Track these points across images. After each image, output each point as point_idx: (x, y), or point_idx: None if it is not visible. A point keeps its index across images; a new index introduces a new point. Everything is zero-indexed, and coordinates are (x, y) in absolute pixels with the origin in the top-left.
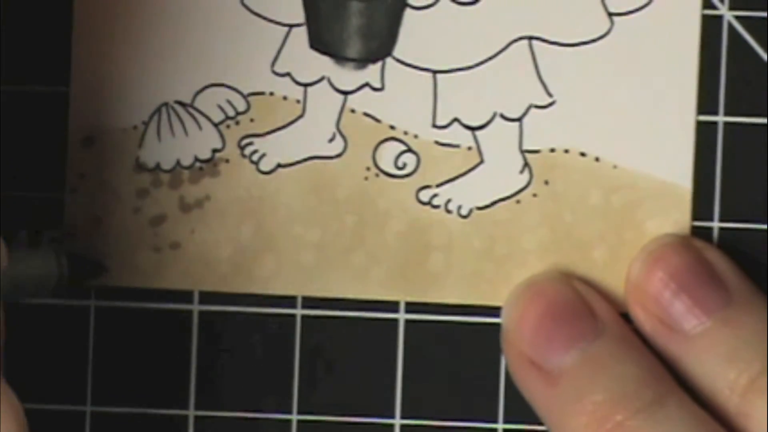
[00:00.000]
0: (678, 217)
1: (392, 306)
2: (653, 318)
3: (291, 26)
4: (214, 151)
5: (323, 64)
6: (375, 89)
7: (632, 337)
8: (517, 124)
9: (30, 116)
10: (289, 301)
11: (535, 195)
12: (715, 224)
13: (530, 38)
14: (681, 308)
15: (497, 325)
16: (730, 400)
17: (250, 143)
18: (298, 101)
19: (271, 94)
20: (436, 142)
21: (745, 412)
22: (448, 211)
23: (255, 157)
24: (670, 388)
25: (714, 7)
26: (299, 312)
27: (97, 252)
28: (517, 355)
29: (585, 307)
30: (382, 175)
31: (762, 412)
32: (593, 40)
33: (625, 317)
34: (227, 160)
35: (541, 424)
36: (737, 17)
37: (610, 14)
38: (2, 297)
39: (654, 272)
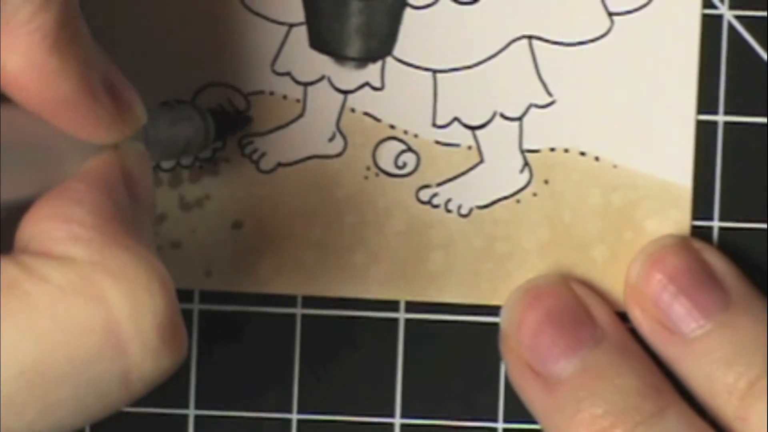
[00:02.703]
0: (678, 217)
1: (392, 305)
2: (652, 320)
3: (291, 25)
4: (215, 150)
5: (323, 64)
6: (375, 89)
7: (632, 343)
8: (517, 123)
9: None
10: (289, 300)
11: (535, 194)
12: (715, 224)
13: (530, 38)
14: (680, 311)
15: (497, 324)
16: (729, 404)
17: (251, 142)
18: (298, 100)
19: (271, 93)
20: (436, 142)
21: (744, 416)
22: (448, 211)
23: (255, 157)
24: (669, 400)
25: (714, 7)
26: (299, 311)
27: None
28: (515, 360)
29: (584, 313)
30: (382, 175)
31: (760, 415)
32: (593, 40)
33: (624, 316)
34: (227, 160)
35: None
36: (737, 17)
37: (610, 14)
38: (156, 158)
39: (653, 274)
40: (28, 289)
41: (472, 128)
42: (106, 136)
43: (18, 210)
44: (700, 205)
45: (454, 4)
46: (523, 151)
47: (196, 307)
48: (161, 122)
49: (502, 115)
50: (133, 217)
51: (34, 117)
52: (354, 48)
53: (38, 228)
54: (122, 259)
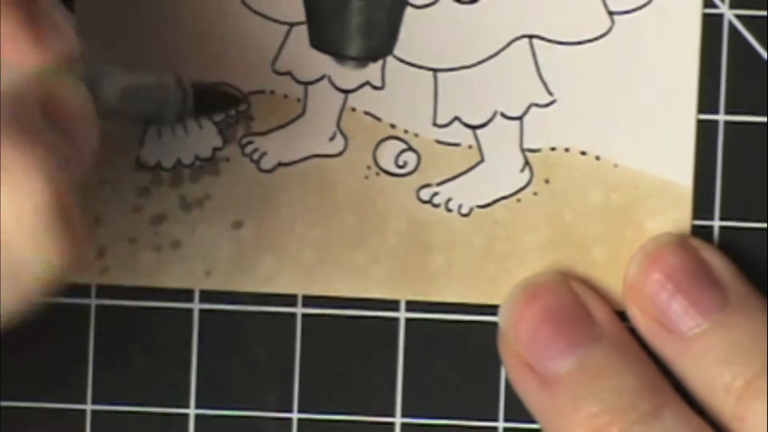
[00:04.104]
0: (678, 216)
1: (393, 305)
2: (650, 319)
3: (292, 25)
4: (215, 149)
5: (324, 63)
6: (375, 88)
7: (630, 342)
8: (517, 122)
9: None
10: (289, 299)
11: (535, 194)
12: (716, 223)
13: (531, 37)
14: (678, 309)
15: (498, 323)
16: (726, 403)
17: (251, 142)
18: (298, 100)
19: (272, 92)
20: (437, 141)
21: (741, 415)
22: (449, 210)
23: (255, 156)
24: (667, 399)
25: (715, 6)
26: (300, 311)
27: (98, 249)
28: (513, 358)
29: (583, 311)
30: (382, 174)
31: (758, 414)
32: (594, 39)
33: (624, 315)
34: (228, 159)
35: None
36: (738, 16)
37: (611, 13)
38: (111, 113)
39: (651, 273)
40: None
41: (473, 127)
42: (21, 58)
43: None
44: (701, 205)
45: (454, 4)
46: (523, 151)
47: (196, 307)
48: (122, 76)
49: (503, 115)
50: (41, 134)
51: None
52: (354, 47)
53: None
54: (4, 148)
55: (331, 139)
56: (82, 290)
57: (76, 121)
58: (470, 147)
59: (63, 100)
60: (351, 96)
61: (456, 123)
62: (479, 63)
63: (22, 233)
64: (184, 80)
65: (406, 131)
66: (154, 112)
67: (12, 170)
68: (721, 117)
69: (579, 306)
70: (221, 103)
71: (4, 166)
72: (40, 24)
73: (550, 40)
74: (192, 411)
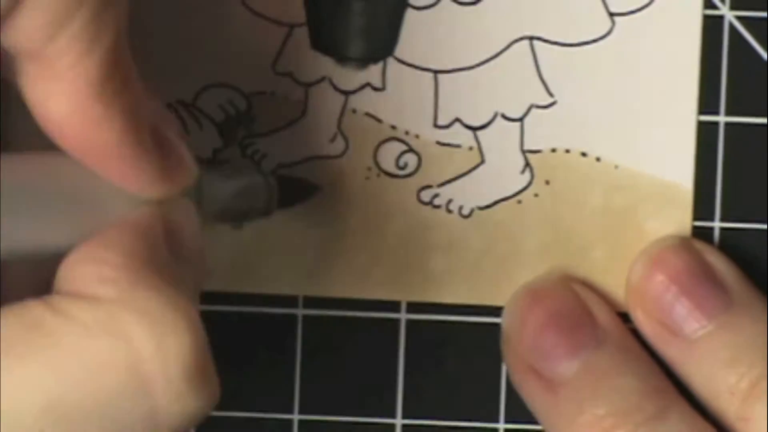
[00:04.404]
0: (679, 218)
1: (393, 306)
2: (654, 321)
3: (292, 26)
4: (215, 150)
5: (324, 64)
6: (376, 89)
7: (634, 344)
8: (518, 124)
9: None
10: (290, 300)
11: (536, 195)
12: (716, 224)
13: (531, 38)
14: (682, 311)
15: (498, 325)
16: (731, 404)
17: (252, 143)
18: (299, 101)
19: (273, 94)
20: (438, 142)
21: (746, 417)
22: (449, 211)
23: (256, 157)
24: (671, 401)
25: (715, 7)
26: (300, 312)
27: None
28: (517, 361)
29: (586, 314)
30: (383, 175)
31: (763, 416)
32: (594, 40)
33: (626, 317)
34: (229, 161)
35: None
36: (738, 17)
37: (611, 14)
38: (209, 220)
39: (654, 275)
40: (52, 327)
41: (474, 129)
42: (152, 191)
43: (59, 257)
44: (701, 206)
45: (455, 5)
46: (524, 152)
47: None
48: (219, 184)
49: (504, 116)
50: (170, 269)
51: (79, 165)
52: (355, 48)
53: (70, 271)
54: (149, 298)
55: (332, 140)
56: None
57: (195, 249)
58: (471, 148)
59: (182, 229)
60: (352, 97)
61: (456, 124)
62: (480, 64)
63: (166, 383)
64: (268, 177)
65: (406, 132)
66: (247, 211)
67: (157, 319)
68: (722, 118)
69: (582, 309)
70: (301, 192)
71: (149, 315)
72: (167, 156)
73: (550, 42)
74: None
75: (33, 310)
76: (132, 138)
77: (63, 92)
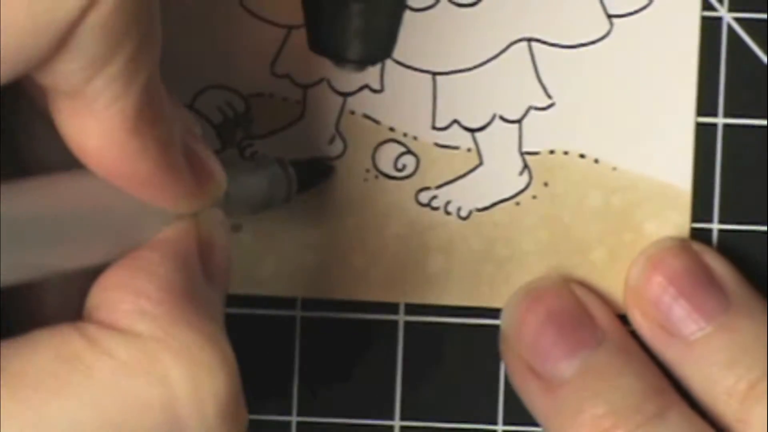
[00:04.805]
0: (677, 219)
1: (392, 308)
2: (652, 322)
3: (291, 28)
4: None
5: (323, 66)
6: (374, 91)
7: (633, 345)
8: (516, 125)
9: None
10: (288, 302)
11: (534, 197)
12: (715, 226)
13: (530, 40)
14: (680, 313)
15: (497, 326)
16: (729, 406)
17: (250, 144)
18: (297, 102)
19: (271, 95)
20: (436, 144)
21: (744, 419)
22: (448, 213)
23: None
24: (671, 401)
25: (713, 9)
26: (299, 314)
27: None
28: (516, 361)
29: (585, 315)
30: (381, 177)
31: (761, 418)
32: (593, 42)
33: (624, 318)
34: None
35: (540, 426)
36: (737, 19)
37: (610, 16)
38: (234, 215)
39: (653, 277)
40: (90, 362)
41: (472, 130)
42: (186, 207)
43: (90, 274)
44: (700, 208)
45: (453, 7)
46: (522, 154)
47: None
48: (240, 181)
49: (502, 118)
50: (204, 292)
51: (108, 183)
52: (353, 50)
53: (106, 296)
54: (187, 338)
55: (330, 142)
56: None
57: (225, 264)
58: (469, 150)
59: (214, 243)
60: (350, 99)
61: (455, 126)
62: (478, 66)
63: (200, 423)
64: (286, 164)
65: (405, 134)
66: (268, 200)
67: (195, 359)
68: (720, 120)
69: (581, 309)
70: (318, 175)
71: (187, 355)
72: (199, 171)
73: (549, 43)
74: None
75: (69, 341)
76: (167, 164)
77: (99, 128)
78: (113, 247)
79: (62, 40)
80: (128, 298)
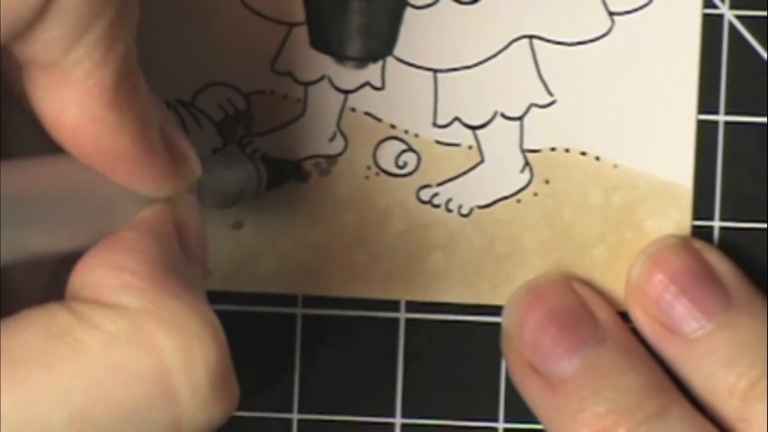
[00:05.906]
0: (678, 217)
1: (393, 305)
2: (653, 320)
3: (292, 25)
4: (215, 150)
5: (324, 63)
6: (375, 88)
7: (634, 343)
8: (517, 123)
9: None
10: (289, 300)
11: (535, 194)
12: (716, 224)
13: (531, 37)
14: (681, 311)
15: (498, 324)
16: (730, 405)
17: (251, 142)
18: (298, 100)
19: (272, 93)
20: (437, 141)
21: (746, 417)
22: (449, 210)
23: (256, 156)
24: (672, 399)
25: (715, 6)
26: (300, 311)
27: None
28: (517, 359)
29: (586, 313)
30: (382, 174)
31: (762, 416)
32: (594, 40)
33: (625, 316)
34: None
35: (541, 424)
36: (738, 16)
37: (611, 13)
38: (207, 205)
39: (654, 274)
40: (79, 337)
41: (473, 128)
42: (161, 190)
43: (71, 258)
44: (701, 205)
45: (454, 4)
46: (523, 151)
47: None
48: (214, 172)
49: (503, 115)
50: (184, 267)
51: (83, 166)
52: (355, 48)
53: (90, 276)
54: (174, 308)
55: (331, 139)
56: None
57: (202, 246)
58: (470, 147)
59: (189, 226)
60: (351, 96)
61: (456, 123)
62: (479, 63)
63: (193, 392)
64: (257, 161)
65: (406, 132)
66: (239, 195)
67: (183, 328)
68: (721, 117)
69: (582, 307)
70: (287, 173)
71: (175, 325)
72: (174, 154)
73: (550, 41)
74: None
75: (58, 317)
76: (143, 142)
77: (77, 101)
78: (88, 233)
79: (46, 2)
80: (112, 274)
